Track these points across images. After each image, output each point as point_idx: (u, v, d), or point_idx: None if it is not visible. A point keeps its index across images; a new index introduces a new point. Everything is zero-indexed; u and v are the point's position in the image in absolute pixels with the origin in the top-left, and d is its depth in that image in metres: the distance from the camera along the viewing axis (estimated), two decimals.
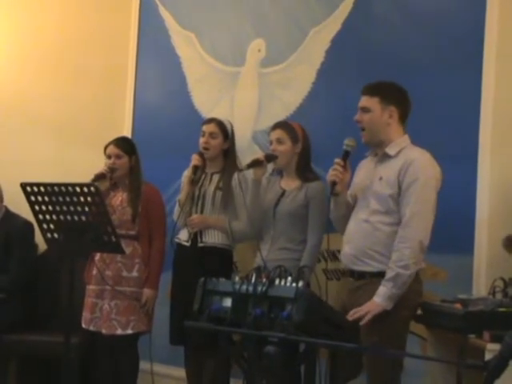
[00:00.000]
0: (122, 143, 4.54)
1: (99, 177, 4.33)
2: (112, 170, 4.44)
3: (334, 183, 3.52)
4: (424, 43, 4.10)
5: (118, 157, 4.47)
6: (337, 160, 3.55)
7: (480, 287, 3.75)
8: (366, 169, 3.64)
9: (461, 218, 3.87)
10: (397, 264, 3.36)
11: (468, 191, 3.86)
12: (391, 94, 3.56)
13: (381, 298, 3.36)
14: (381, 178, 3.50)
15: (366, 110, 3.55)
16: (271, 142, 4.12)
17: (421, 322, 3.60)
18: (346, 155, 3.55)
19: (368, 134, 3.55)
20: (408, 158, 3.45)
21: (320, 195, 4.00)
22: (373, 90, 3.56)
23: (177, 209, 4.39)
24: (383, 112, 3.52)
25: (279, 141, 4.07)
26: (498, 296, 3.35)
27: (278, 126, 4.14)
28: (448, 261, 3.90)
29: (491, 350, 2.91)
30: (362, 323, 3.34)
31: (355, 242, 3.52)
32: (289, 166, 4.12)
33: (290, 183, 4.12)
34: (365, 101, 3.56)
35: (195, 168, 4.30)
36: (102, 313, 4.38)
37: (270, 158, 4.08)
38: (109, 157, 4.49)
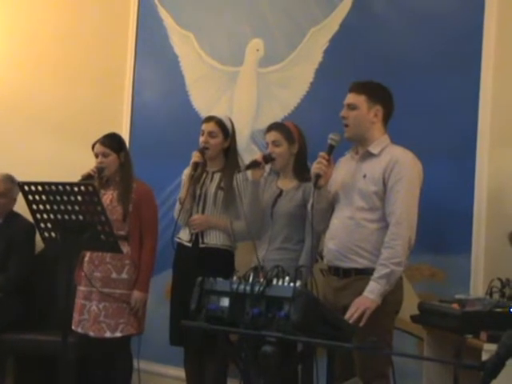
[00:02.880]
0: (109, 141, 4.40)
1: (86, 178, 4.22)
2: (99, 169, 4.33)
3: (318, 176, 3.56)
4: (422, 43, 4.10)
5: (104, 155, 4.36)
6: (321, 153, 3.59)
7: (477, 287, 3.75)
8: (346, 167, 3.67)
9: (458, 218, 3.88)
10: (391, 261, 3.41)
11: (465, 192, 3.86)
12: (378, 93, 3.60)
13: (374, 295, 3.40)
14: (365, 176, 3.55)
15: (352, 106, 3.59)
16: (267, 145, 4.12)
17: (418, 321, 3.60)
18: (330, 149, 3.59)
19: (352, 130, 3.60)
20: (393, 157, 3.51)
21: None
22: (360, 87, 3.60)
23: (177, 206, 4.36)
24: (369, 110, 3.57)
25: (275, 143, 4.07)
26: (495, 296, 3.35)
27: (273, 127, 4.13)
28: (445, 261, 3.90)
29: (488, 350, 2.91)
30: (361, 324, 3.36)
31: (340, 238, 3.56)
32: (286, 166, 4.12)
33: (287, 183, 4.12)
34: (351, 98, 3.60)
35: (195, 165, 4.26)
36: (90, 315, 4.31)
37: (267, 159, 4.08)
38: (96, 156, 4.38)
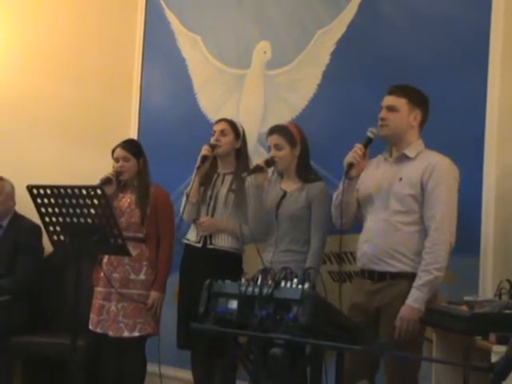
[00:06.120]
0: (129, 146, 4.52)
1: (105, 181, 4.31)
2: (118, 173, 4.42)
3: (350, 165, 3.55)
4: (429, 45, 4.10)
5: (125, 159, 4.45)
6: (358, 145, 3.58)
7: (486, 289, 3.74)
8: (380, 169, 3.65)
9: (467, 219, 3.86)
10: (434, 266, 3.41)
11: (474, 193, 3.85)
12: (418, 98, 3.60)
13: (419, 304, 3.41)
14: (401, 179, 3.53)
15: (393, 108, 3.58)
16: (269, 148, 4.11)
17: (427, 323, 3.59)
18: (368, 142, 3.60)
19: (390, 130, 3.58)
20: (431, 161, 3.50)
21: (321, 196, 3.99)
22: (401, 91, 3.60)
23: (184, 201, 4.37)
24: (410, 113, 3.57)
25: (277, 147, 4.05)
26: (504, 298, 3.34)
27: (275, 130, 4.11)
28: (454, 263, 3.88)
29: (497, 351, 2.90)
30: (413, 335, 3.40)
31: (375, 241, 3.55)
32: (289, 168, 4.11)
33: (290, 184, 4.11)
34: (392, 100, 3.59)
35: (204, 158, 4.27)
36: (109, 315, 4.37)
37: (269, 163, 4.07)
38: (116, 160, 4.47)
